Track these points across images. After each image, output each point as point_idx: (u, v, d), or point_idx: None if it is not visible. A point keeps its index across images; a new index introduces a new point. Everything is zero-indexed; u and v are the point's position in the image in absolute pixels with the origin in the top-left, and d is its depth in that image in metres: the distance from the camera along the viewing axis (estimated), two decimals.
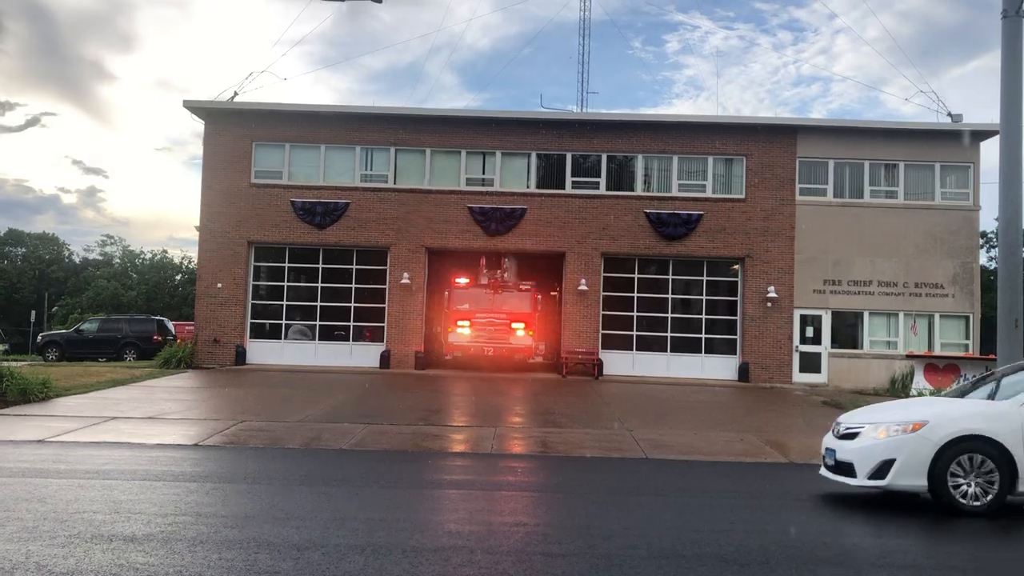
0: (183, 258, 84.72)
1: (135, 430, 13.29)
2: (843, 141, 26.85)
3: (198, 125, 27.61)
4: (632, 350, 26.73)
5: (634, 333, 26.82)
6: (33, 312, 60.78)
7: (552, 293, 29.42)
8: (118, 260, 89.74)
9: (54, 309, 76.32)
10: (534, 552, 6.74)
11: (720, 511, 8.81)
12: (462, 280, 26.89)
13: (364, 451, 12.14)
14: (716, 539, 7.36)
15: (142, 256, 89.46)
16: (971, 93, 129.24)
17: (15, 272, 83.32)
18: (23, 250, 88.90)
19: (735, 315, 26.83)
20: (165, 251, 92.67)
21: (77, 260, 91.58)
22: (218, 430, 13.45)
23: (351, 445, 12.51)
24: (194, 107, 27.35)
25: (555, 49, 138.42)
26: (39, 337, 35.83)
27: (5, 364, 18.08)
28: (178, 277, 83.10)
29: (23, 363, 25.75)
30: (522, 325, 26.15)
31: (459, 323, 26.18)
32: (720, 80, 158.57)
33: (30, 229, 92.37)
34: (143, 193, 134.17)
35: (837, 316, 26.56)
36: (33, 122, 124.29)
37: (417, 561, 6.27)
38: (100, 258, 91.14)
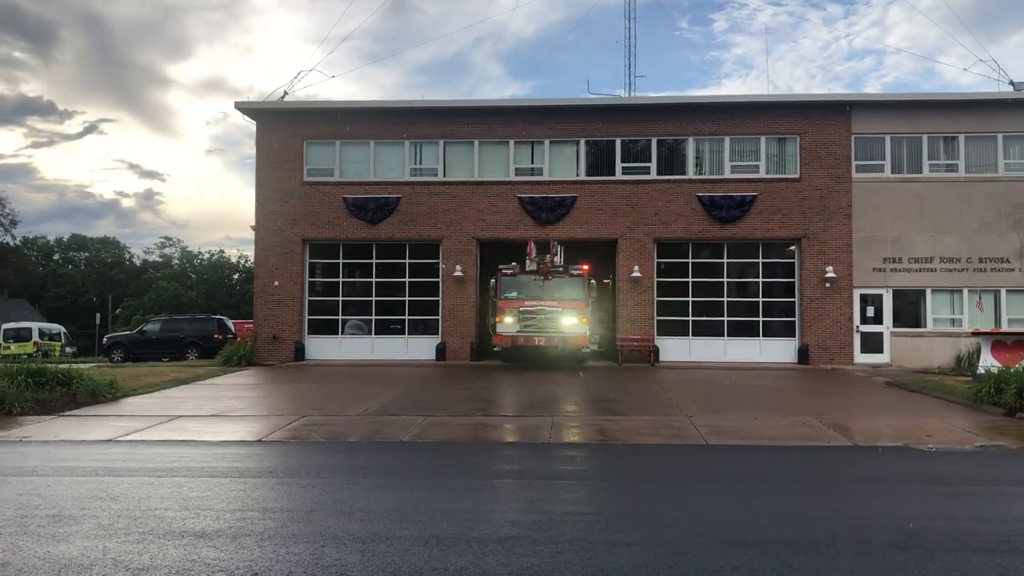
0: (240, 257, 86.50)
1: (200, 428, 13.57)
2: (899, 115, 26.18)
3: (250, 126, 28.07)
4: (688, 336, 26.48)
5: (690, 318, 26.56)
6: (98, 314, 62.54)
7: (605, 281, 29.00)
8: (177, 261, 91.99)
9: (118, 311, 78.39)
10: (597, 541, 6.71)
11: (785, 496, 8.68)
12: (509, 267, 25.09)
13: (424, 443, 12.23)
14: (781, 524, 7.26)
15: (200, 256, 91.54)
16: None
17: (79, 276, 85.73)
18: (86, 254, 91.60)
19: (793, 297, 26.41)
20: (222, 251, 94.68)
21: (138, 262, 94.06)
22: (281, 426, 13.68)
23: (411, 437, 12.60)
24: (245, 108, 27.80)
25: (600, 34, 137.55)
26: (104, 339, 36.91)
27: (74, 367, 18.63)
28: (235, 276, 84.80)
29: (90, 365, 26.48)
30: (574, 313, 24.35)
31: (507, 312, 24.39)
32: (770, 58, 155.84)
33: (92, 234, 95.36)
34: (199, 194, 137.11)
35: (898, 294, 25.96)
36: (91, 129, 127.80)
37: (481, 551, 6.29)
38: (160, 260, 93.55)
